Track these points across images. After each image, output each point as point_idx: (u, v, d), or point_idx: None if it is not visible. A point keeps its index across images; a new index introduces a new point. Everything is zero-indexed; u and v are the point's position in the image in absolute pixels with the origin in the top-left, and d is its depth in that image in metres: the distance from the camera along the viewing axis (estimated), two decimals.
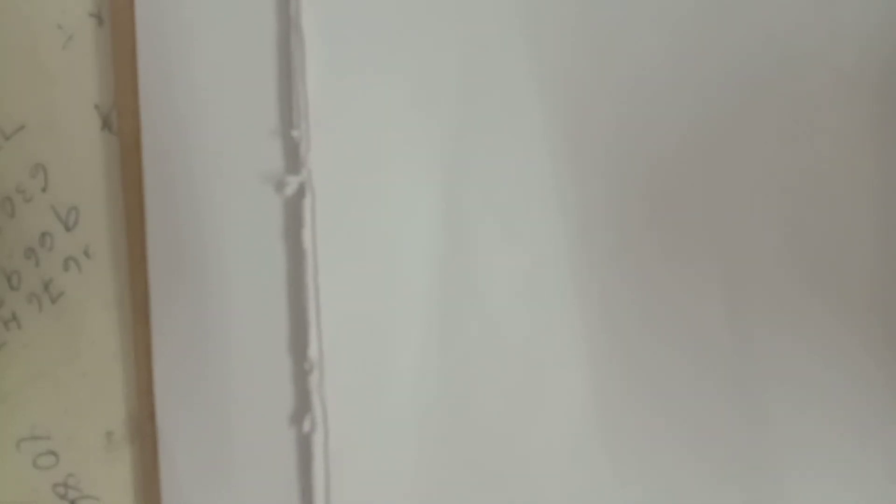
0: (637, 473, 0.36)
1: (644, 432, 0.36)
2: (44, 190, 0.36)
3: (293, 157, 0.35)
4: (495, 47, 0.35)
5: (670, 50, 0.35)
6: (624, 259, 0.35)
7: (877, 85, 0.36)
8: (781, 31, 0.35)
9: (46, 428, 0.36)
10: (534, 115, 0.35)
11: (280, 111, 0.35)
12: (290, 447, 0.35)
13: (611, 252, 0.35)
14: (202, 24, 0.35)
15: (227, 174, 0.35)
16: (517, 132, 0.35)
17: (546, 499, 0.36)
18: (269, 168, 0.35)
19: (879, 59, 0.35)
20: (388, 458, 0.35)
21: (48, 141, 0.36)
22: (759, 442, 0.36)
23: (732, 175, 0.36)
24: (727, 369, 0.36)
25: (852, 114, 0.36)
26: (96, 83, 0.36)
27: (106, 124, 0.36)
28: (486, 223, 0.35)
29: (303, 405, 0.35)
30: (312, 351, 0.35)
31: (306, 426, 0.35)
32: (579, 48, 0.35)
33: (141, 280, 0.36)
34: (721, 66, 0.36)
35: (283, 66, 0.35)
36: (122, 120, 0.35)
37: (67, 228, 0.36)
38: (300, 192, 0.35)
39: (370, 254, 0.35)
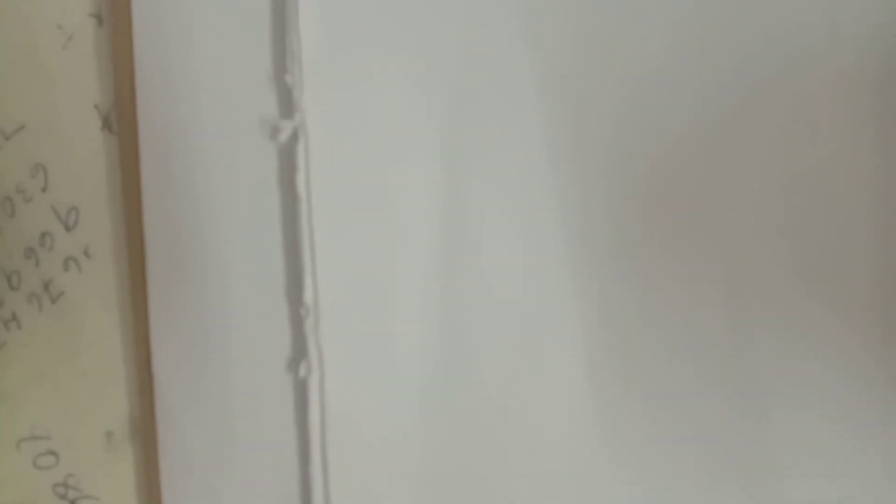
0: (632, 441, 0.36)
1: (639, 405, 0.36)
2: (44, 190, 0.36)
3: (287, 103, 0.35)
4: (495, 39, 0.35)
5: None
6: (623, 255, 0.35)
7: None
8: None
9: (46, 428, 0.36)
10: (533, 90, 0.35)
11: (273, 57, 0.35)
12: (287, 393, 0.35)
13: (611, 226, 0.35)
14: None
15: (222, 121, 0.35)
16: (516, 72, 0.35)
17: (540, 456, 0.36)
18: (263, 114, 0.35)
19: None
20: (386, 403, 0.35)
21: (48, 141, 0.36)
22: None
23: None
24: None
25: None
26: (96, 83, 0.36)
27: (106, 124, 0.36)
28: (487, 171, 0.35)
29: (300, 351, 0.35)
30: (308, 296, 0.35)
31: (302, 371, 0.35)
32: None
33: (141, 279, 0.36)
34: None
35: (276, 10, 0.35)
36: (119, 72, 0.35)
37: (67, 228, 0.36)
38: (294, 137, 0.35)
39: (366, 198, 0.35)
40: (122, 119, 0.36)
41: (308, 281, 0.35)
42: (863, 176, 0.36)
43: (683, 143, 0.35)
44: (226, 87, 0.35)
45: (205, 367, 0.35)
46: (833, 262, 0.36)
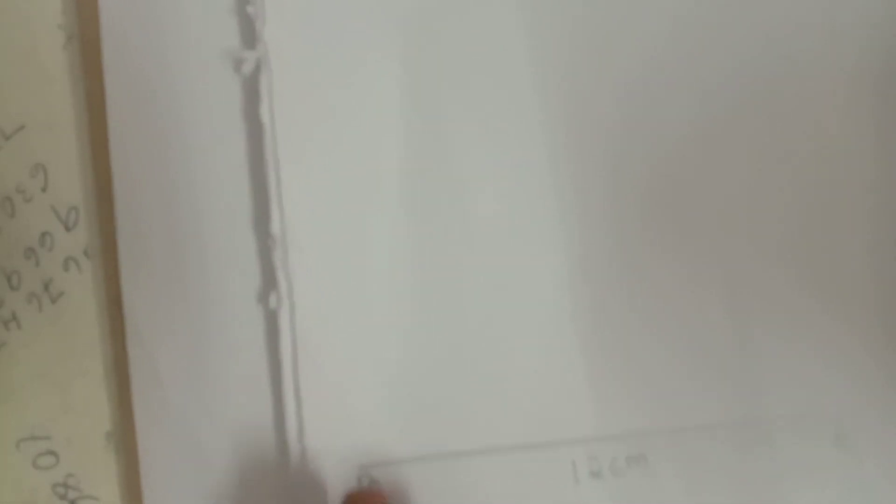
0: (616, 370, 0.36)
1: (624, 329, 0.36)
2: (44, 190, 0.36)
3: (249, 34, 0.35)
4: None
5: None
6: (610, 176, 0.35)
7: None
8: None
9: (46, 428, 0.36)
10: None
11: None
12: (259, 325, 0.35)
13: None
14: None
15: (185, 55, 0.35)
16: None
17: (521, 378, 0.36)
18: (226, 46, 0.35)
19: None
20: (357, 331, 0.35)
21: (48, 141, 0.36)
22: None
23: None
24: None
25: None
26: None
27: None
28: (458, 95, 0.35)
29: (269, 283, 0.35)
30: (275, 227, 0.35)
31: (272, 303, 0.35)
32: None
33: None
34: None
35: None
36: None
37: (67, 228, 0.36)
38: (257, 68, 0.35)
39: (331, 127, 0.35)
40: (86, 53, 0.35)
41: (275, 212, 0.34)
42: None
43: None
44: (188, 21, 0.35)
45: (176, 302, 0.35)
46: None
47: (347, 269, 0.35)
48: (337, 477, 0.35)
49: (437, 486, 0.35)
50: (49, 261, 0.36)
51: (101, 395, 0.36)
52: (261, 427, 0.35)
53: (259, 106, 0.34)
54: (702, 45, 0.35)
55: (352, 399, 0.35)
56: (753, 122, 0.35)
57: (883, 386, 0.36)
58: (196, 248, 0.35)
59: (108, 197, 0.36)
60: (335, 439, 0.35)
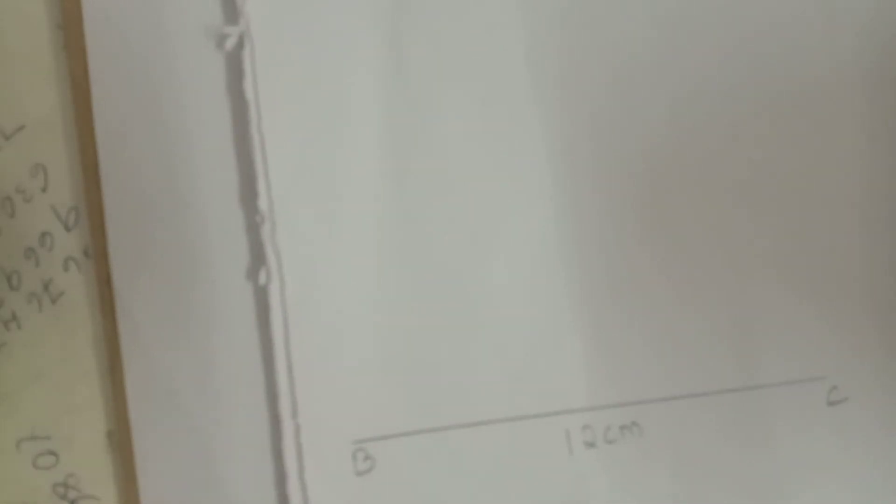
0: (598, 315, 0.36)
1: (617, 285, 0.36)
2: (44, 190, 0.36)
3: (231, 9, 0.35)
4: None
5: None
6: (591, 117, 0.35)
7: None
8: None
9: (46, 428, 0.36)
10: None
11: None
12: (248, 302, 0.35)
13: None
14: None
15: (166, 31, 0.35)
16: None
17: (514, 349, 0.36)
18: (208, 22, 0.35)
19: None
20: (348, 305, 0.35)
21: (48, 141, 0.36)
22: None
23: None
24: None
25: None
26: None
27: None
28: (439, 67, 0.35)
29: (258, 259, 0.35)
30: (262, 203, 0.35)
31: (262, 279, 0.35)
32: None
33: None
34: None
35: None
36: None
37: (67, 228, 0.36)
38: (239, 43, 0.35)
39: (315, 102, 0.35)
40: (70, 37, 0.35)
41: (262, 187, 0.35)
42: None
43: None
44: None
45: (163, 281, 0.35)
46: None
47: (335, 242, 0.35)
48: (332, 452, 0.35)
49: (431, 459, 0.35)
50: (49, 261, 0.36)
51: (101, 395, 0.36)
52: (254, 406, 0.35)
53: (243, 82, 0.34)
54: (694, 40, 0.36)
55: (344, 374, 0.35)
56: (749, 113, 0.36)
57: (877, 346, 0.36)
58: (182, 226, 0.35)
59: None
60: (329, 415, 0.35)
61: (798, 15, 0.35)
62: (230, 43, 0.35)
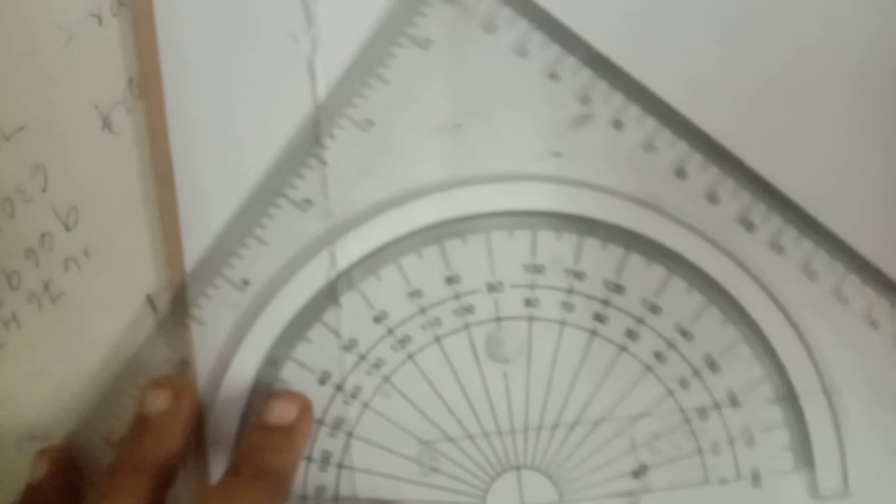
0: None
1: None
2: (44, 190, 0.36)
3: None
4: None
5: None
6: None
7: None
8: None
9: (46, 428, 0.36)
10: None
11: None
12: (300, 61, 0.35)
13: None
14: None
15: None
16: None
17: None
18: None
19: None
20: None
21: (48, 141, 0.36)
22: None
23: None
24: None
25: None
26: (96, 83, 0.36)
27: (106, 125, 0.36)
28: None
29: (307, 20, 0.35)
30: None
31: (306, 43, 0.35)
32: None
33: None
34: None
35: None
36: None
37: (67, 228, 0.36)
38: None
39: None
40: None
41: None
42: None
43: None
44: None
45: (211, 37, 0.35)
46: None
47: None
48: None
49: None
50: (49, 261, 0.36)
51: (101, 395, 0.36)
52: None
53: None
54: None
55: None
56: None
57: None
58: None
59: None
60: None
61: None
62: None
